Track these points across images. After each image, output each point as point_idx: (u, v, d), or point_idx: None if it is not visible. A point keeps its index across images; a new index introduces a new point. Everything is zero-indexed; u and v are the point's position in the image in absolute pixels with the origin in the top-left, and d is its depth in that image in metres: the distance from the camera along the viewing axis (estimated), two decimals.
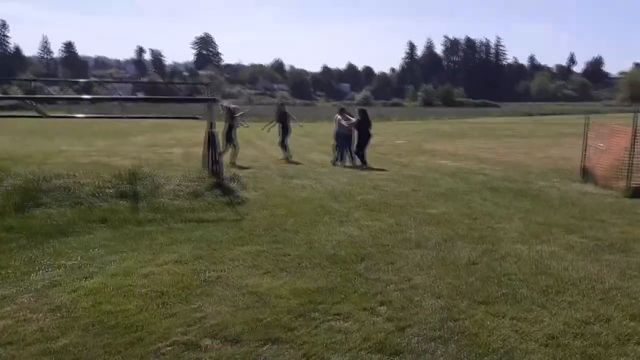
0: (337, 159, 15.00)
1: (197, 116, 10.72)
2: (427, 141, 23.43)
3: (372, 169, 14.14)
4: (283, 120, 16.35)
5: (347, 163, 14.85)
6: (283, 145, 16.09)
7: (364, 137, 15.02)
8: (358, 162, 14.79)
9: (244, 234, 7.15)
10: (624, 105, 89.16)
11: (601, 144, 11.82)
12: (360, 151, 14.91)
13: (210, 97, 10.32)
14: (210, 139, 10.07)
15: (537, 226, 7.86)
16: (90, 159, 16.68)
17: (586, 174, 12.41)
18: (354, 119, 15.21)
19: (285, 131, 16.22)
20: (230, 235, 7.06)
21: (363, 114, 15.30)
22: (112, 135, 25.21)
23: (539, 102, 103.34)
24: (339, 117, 15.31)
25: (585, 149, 12.71)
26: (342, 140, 15.05)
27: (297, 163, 15.11)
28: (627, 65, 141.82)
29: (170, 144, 22.31)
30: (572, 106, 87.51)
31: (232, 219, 8.06)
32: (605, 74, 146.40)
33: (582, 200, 9.96)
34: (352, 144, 15.03)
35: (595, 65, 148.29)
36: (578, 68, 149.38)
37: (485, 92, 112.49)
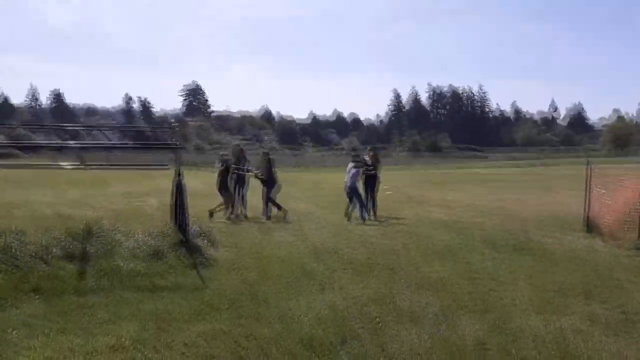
0: (351, 212, 13.23)
1: (164, 165, 9.61)
2: (417, 190, 22.52)
3: (357, 220, 13.09)
4: (268, 171, 13.99)
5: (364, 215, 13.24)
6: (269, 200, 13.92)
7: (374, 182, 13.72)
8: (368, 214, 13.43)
9: (204, 307, 5.95)
10: (610, 156, 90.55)
11: (608, 198, 10.93)
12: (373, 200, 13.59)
13: (175, 144, 9.27)
14: (177, 189, 8.97)
15: (549, 291, 6.77)
16: (55, 210, 15.43)
17: (590, 225, 11.45)
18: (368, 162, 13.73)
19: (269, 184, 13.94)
20: (187, 310, 5.85)
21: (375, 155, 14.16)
22: (90, 184, 23.80)
23: (525, 150, 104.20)
24: (353, 167, 13.40)
25: (588, 198, 11.80)
26: (356, 192, 13.36)
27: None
28: (606, 111, 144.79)
29: (148, 193, 21.17)
30: (559, 154, 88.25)
31: (194, 286, 6.87)
32: (587, 124, 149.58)
33: (592, 257, 8.93)
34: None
35: (576, 113, 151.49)
36: (560, 115, 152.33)
37: (472, 139, 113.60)
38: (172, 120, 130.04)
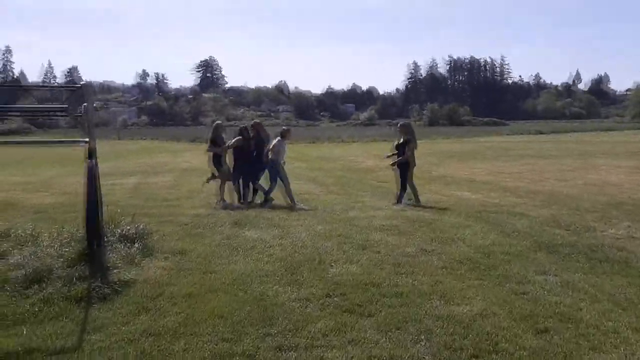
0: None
1: (83, 140, 6.62)
2: (437, 165, 19.41)
3: (367, 205, 10.17)
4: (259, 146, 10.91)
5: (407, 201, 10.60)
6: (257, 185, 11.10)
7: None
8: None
9: None
10: (636, 121, 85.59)
11: None
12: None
13: (61, 106, 6.24)
14: (89, 177, 6.09)
15: None
16: (6, 195, 12.89)
17: None
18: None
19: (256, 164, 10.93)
20: None
21: (409, 130, 11.02)
22: (70, 163, 21.13)
23: (546, 119, 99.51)
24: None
25: None
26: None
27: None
28: (629, 84, 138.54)
29: (133, 172, 18.54)
30: (581, 123, 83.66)
31: (56, 347, 4.02)
32: (610, 91, 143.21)
33: None
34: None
35: (599, 83, 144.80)
36: (584, 86, 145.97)
37: (491, 111, 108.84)
38: (189, 96, 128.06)
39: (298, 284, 5.42)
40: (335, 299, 4.98)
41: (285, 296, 5.04)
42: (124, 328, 4.29)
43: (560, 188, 12.94)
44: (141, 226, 7.03)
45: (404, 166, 10.56)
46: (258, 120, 12.40)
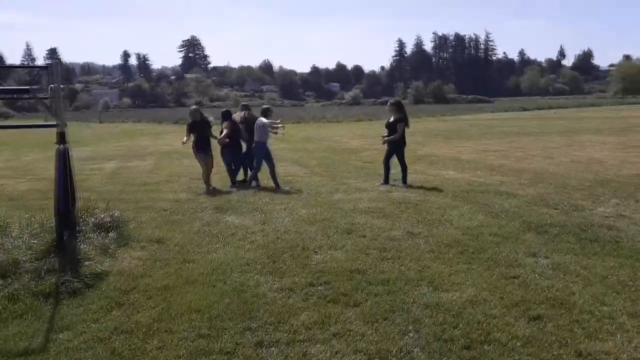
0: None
1: (53, 124, 6.21)
2: (422, 144, 19.20)
3: (351, 187, 9.94)
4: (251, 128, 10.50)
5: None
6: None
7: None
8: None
9: None
10: (617, 97, 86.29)
11: None
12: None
13: (23, 87, 5.84)
14: (59, 162, 5.74)
15: None
16: None
17: None
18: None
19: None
20: None
21: (400, 107, 10.68)
22: (51, 147, 20.54)
23: (530, 96, 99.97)
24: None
25: None
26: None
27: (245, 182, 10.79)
28: (615, 57, 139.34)
29: (113, 156, 18.03)
30: (565, 99, 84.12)
31: (20, 348, 3.74)
32: (595, 67, 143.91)
33: None
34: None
35: (585, 58, 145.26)
36: (568, 62, 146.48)
37: (476, 88, 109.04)
38: (172, 77, 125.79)
39: (280, 272, 5.19)
40: (319, 288, 4.76)
41: (267, 286, 4.81)
42: (94, 325, 4.03)
43: (546, 166, 12.82)
44: (117, 214, 6.72)
45: (398, 145, 10.32)
46: (246, 102, 12.23)
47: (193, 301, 4.47)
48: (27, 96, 5.84)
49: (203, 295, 4.60)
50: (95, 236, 5.92)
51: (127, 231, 6.55)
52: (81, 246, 5.52)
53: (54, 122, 5.88)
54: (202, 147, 10.12)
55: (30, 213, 7.17)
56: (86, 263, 5.17)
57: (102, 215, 6.54)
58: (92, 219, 6.35)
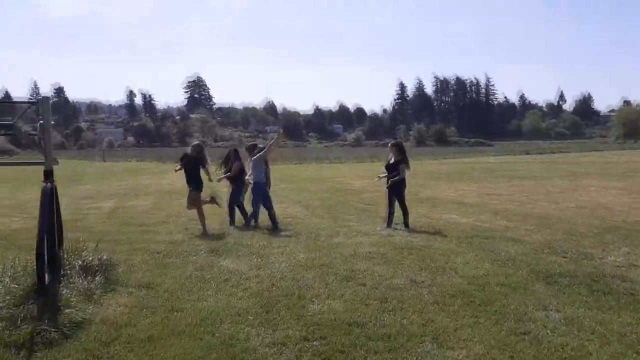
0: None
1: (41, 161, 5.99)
2: (424, 186, 18.97)
3: (352, 230, 9.62)
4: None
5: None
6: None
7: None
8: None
9: None
10: (618, 142, 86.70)
11: None
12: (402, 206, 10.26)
13: (4, 122, 5.64)
14: (45, 201, 5.48)
15: None
16: None
17: None
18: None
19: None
20: None
21: (401, 149, 10.56)
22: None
23: (531, 140, 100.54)
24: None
25: None
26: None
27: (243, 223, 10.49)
28: (614, 101, 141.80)
29: (113, 195, 17.79)
30: (567, 144, 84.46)
31: None
32: (595, 111, 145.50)
33: None
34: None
35: (584, 103, 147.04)
36: (567, 106, 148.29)
37: (478, 131, 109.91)
38: (177, 116, 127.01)
39: (274, 324, 4.84)
40: (314, 343, 4.41)
41: (258, 340, 4.46)
42: None
43: (552, 211, 12.54)
44: (104, 256, 6.41)
45: (399, 187, 10.12)
46: (254, 142, 12.22)
47: (177, 355, 4.12)
48: (11, 132, 5.64)
49: (189, 349, 4.25)
50: (81, 280, 5.60)
51: (116, 275, 6.24)
52: (64, 291, 5.20)
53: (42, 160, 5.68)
54: (188, 181, 10.14)
55: (17, 254, 6.88)
56: (67, 310, 4.84)
57: (90, 258, 6.24)
58: (79, 262, 6.05)
